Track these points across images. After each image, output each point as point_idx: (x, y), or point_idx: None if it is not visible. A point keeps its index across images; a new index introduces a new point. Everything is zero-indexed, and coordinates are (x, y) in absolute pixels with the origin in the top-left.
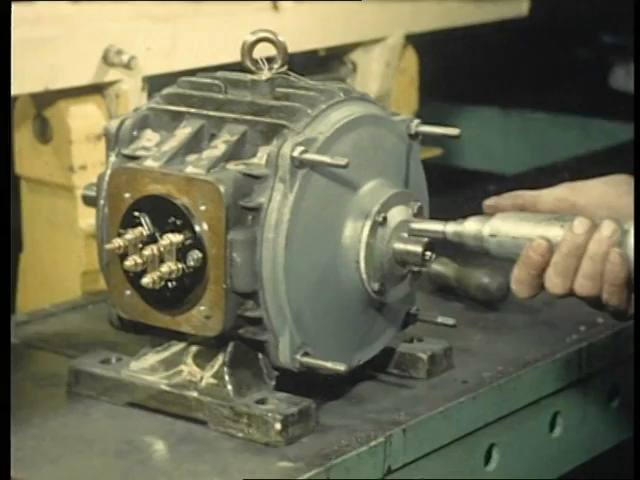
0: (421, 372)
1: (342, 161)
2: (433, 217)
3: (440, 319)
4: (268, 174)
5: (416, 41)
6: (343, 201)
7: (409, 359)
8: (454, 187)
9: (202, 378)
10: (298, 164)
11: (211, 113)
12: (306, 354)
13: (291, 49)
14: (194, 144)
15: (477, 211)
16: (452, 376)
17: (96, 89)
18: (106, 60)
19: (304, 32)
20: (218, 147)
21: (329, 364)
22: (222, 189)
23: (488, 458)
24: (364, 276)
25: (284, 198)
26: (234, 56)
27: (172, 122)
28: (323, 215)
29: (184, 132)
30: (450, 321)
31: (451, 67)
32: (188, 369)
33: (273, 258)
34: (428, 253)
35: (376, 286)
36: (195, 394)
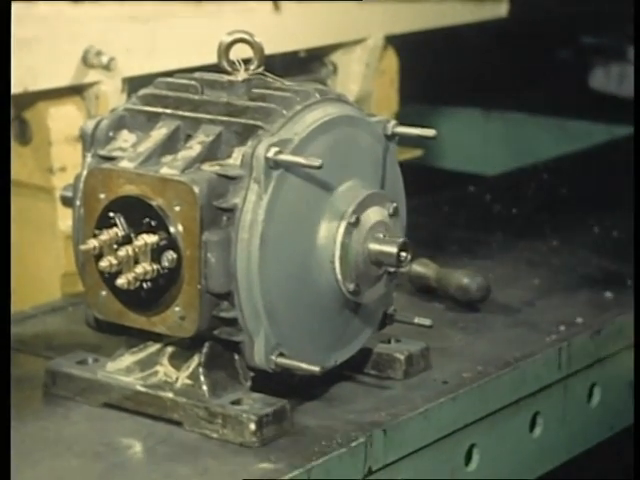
0: (398, 373)
1: (316, 162)
2: (411, 217)
3: (417, 320)
4: (243, 175)
5: (396, 42)
6: (318, 202)
7: (386, 359)
8: (435, 188)
9: (178, 379)
10: (273, 165)
11: (187, 114)
12: (281, 355)
13: (270, 50)
14: (170, 145)
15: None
16: (432, 376)
17: (76, 90)
18: (85, 61)
19: (283, 33)
20: (193, 148)
21: (304, 365)
22: (196, 190)
23: (469, 458)
24: (339, 277)
25: (259, 199)
26: (214, 57)
27: (148, 123)
28: (298, 216)
29: (160, 133)
30: (427, 322)
31: (431, 68)
32: (164, 370)
33: (248, 259)
34: (403, 254)
35: (351, 287)
36: (170, 395)
